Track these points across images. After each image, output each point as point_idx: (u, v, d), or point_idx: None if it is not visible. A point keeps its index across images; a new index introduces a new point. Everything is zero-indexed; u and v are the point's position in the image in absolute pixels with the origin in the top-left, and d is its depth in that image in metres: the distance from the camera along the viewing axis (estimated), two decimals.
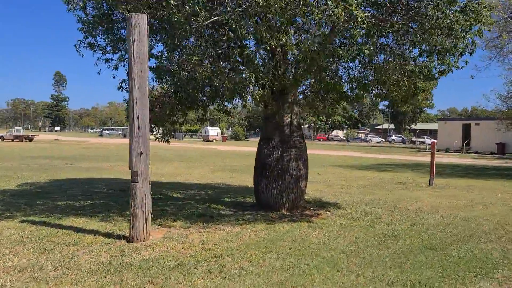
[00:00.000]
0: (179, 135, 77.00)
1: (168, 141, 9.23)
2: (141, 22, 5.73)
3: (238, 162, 22.32)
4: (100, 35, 7.74)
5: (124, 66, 8.10)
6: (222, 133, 77.06)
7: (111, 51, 7.93)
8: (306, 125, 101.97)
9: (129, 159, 5.81)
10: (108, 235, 6.19)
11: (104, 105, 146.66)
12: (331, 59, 6.78)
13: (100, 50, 7.89)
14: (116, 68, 8.07)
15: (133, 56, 5.70)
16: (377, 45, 7.44)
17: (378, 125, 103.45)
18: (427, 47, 6.80)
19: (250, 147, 43.24)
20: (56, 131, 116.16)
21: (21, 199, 9.15)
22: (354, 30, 5.71)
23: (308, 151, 8.79)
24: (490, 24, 6.58)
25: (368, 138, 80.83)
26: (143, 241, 5.81)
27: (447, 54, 6.91)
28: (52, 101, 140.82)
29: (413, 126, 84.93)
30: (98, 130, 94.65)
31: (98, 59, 8.01)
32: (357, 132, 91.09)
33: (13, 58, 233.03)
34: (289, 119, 8.29)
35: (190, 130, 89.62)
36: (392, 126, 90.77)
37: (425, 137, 67.19)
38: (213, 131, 67.71)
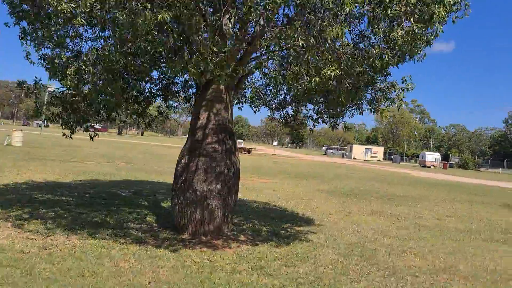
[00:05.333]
0: (396, 158, 71.20)
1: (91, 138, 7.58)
2: None
3: (396, 190, 18.90)
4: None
5: None
6: (448, 159, 67.28)
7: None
8: None
9: None
10: None
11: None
12: None
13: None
14: None
15: None
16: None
17: None
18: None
19: (465, 177, 35.81)
20: (276, 146, 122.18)
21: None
22: None
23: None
24: None
25: None
26: None
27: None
28: None
29: None
30: (324, 148, 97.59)
31: None
32: None
33: None
34: (203, 120, 6.54)
35: (414, 154, 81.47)
36: None
37: None
38: (431, 157, 59.17)
